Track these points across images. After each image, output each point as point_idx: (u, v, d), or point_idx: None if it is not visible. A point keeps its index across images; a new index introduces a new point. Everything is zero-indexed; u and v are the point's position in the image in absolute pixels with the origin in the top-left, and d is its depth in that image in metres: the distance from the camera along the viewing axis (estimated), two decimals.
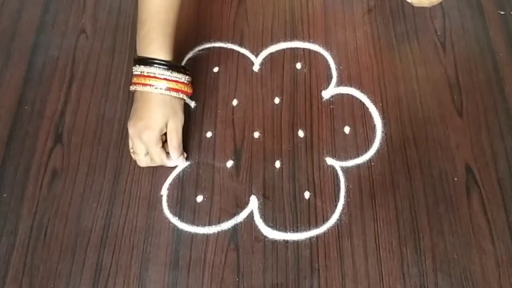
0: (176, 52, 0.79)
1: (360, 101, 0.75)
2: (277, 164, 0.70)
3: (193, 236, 0.66)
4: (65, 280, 0.63)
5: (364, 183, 0.69)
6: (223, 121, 0.74)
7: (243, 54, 0.79)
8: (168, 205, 0.68)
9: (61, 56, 0.79)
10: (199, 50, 0.80)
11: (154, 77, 0.65)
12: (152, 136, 0.65)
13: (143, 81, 0.65)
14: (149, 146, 0.66)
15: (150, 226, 0.66)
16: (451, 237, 0.65)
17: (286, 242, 0.65)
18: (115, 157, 0.71)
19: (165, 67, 0.65)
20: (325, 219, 0.66)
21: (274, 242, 0.65)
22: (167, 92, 0.66)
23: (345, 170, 0.70)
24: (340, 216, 0.67)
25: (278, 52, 0.79)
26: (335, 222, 0.66)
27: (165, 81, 0.65)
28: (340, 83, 0.76)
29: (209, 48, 0.80)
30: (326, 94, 0.76)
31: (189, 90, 0.69)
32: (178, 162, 0.69)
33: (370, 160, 0.70)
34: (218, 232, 0.66)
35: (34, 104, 0.75)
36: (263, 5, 0.84)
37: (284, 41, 0.80)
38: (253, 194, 0.68)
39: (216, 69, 0.78)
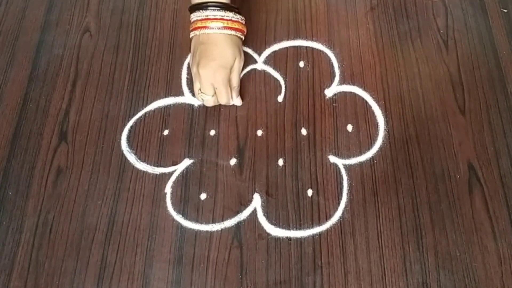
0: (180, 50, 0.80)
1: (363, 99, 0.75)
2: (280, 162, 0.71)
3: (197, 233, 0.66)
4: (70, 277, 0.64)
5: (366, 181, 0.69)
6: (226, 119, 0.74)
7: (246, 53, 0.79)
8: (172, 203, 0.68)
9: (65, 55, 0.80)
10: None
11: (214, 18, 0.68)
12: (225, 75, 0.69)
13: (204, 24, 0.69)
14: (220, 85, 0.69)
15: (154, 223, 0.67)
16: (453, 235, 0.65)
17: (289, 239, 0.66)
18: (119, 155, 0.71)
19: (219, 8, 0.69)
20: (328, 217, 0.67)
21: (277, 240, 0.66)
22: (231, 32, 0.69)
23: (348, 168, 0.70)
24: (343, 213, 0.67)
25: (281, 50, 0.80)
26: (338, 220, 0.67)
27: (224, 21, 0.68)
28: (343, 81, 0.77)
29: None
30: (329, 92, 0.76)
31: (245, 30, 0.72)
32: (237, 101, 0.73)
33: (372, 158, 0.71)
34: (222, 229, 0.66)
35: (39, 102, 0.76)
36: (266, 4, 0.84)
37: (287, 39, 0.80)
38: (256, 191, 0.69)
39: None
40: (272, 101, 0.75)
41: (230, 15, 0.69)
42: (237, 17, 0.70)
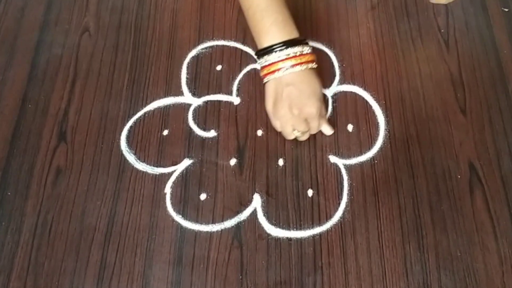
0: (179, 50, 0.79)
1: (363, 99, 0.75)
2: (280, 162, 0.70)
3: (197, 234, 0.66)
4: (70, 278, 0.63)
5: (367, 181, 0.69)
6: (226, 119, 0.74)
7: (246, 52, 0.79)
8: (171, 203, 0.68)
9: (65, 55, 0.80)
10: (202, 48, 0.80)
11: (294, 56, 0.66)
12: (320, 108, 0.68)
13: (283, 65, 0.66)
14: (316, 118, 0.68)
15: (153, 224, 0.66)
16: (454, 235, 0.65)
17: (289, 239, 0.65)
18: (118, 155, 0.71)
19: (284, 47, 0.66)
20: (328, 217, 0.67)
21: (278, 240, 0.65)
22: (311, 65, 0.67)
23: (348, 168, 0.70)
24: (343, 214, 0.67)
25: None
26: (338, 220, 0.66)
27: (303, 58, 0.66)
28: (343, 81, 0.76)
29: (212, 46, 0.80)
30: (329, 92, 0.76)
31: (315, 58, 0.69)
32: (329, 129, 0.72)
33: (373, 158, 0.70)
34: (222, 230, 0.66)
35: (38, 102, 0.75)
36: None
37: None
38: (257, 192, 0.68)
39: (219, 67, 0.78)
40: None
41: (305, 48, 0.67)
42: (309, 49, 0.68)
